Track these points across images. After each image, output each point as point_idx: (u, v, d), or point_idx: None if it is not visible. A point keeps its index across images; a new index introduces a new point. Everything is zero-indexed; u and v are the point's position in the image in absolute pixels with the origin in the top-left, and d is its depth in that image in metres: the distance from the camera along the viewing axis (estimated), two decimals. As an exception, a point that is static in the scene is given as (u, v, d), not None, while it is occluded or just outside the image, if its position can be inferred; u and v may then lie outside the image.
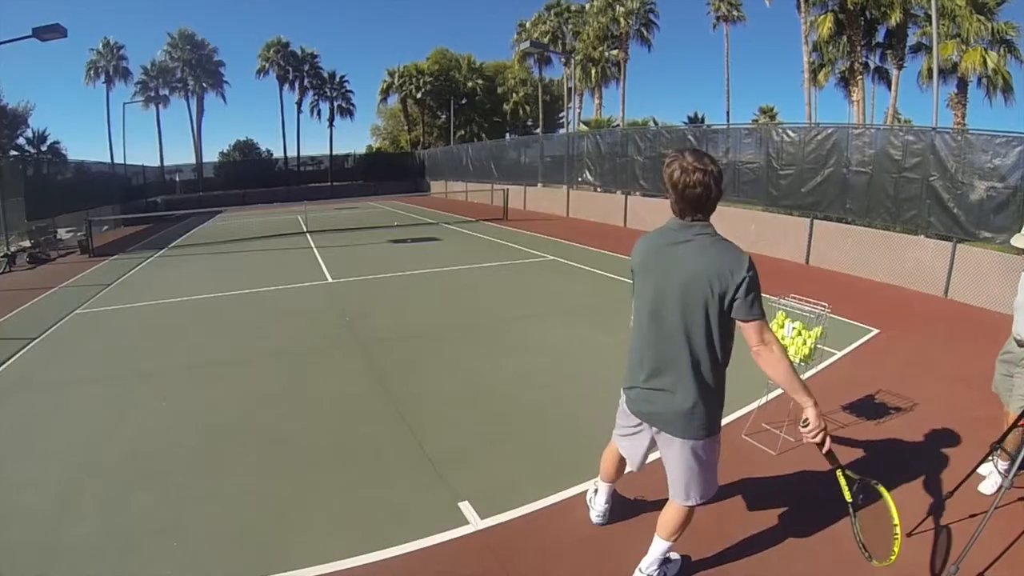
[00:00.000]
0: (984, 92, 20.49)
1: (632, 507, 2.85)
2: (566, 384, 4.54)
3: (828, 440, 1.95)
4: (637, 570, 2.30)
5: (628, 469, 2.45)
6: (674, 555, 2.42)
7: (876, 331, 5.76)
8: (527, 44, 25.93)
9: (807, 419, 1.94)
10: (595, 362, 5.03)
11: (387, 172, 32.39)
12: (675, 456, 2.10)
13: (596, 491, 2.75)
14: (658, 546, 2.26)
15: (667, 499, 2.25)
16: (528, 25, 33.83)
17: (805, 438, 1.95)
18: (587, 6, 30.60)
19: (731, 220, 11.00)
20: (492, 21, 68.13)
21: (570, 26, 32.26)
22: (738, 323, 1.93)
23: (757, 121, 37.05)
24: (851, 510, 2.10)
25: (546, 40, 30.96)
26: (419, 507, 2.94)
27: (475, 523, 2.78)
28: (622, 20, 28.83)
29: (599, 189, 16.49)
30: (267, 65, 34.18)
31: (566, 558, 2.56)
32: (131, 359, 5.53)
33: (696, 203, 1.94)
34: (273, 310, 7.22)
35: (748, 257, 1.91)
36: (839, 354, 5.07)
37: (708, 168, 1.90)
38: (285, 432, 3.84)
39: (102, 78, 32.32)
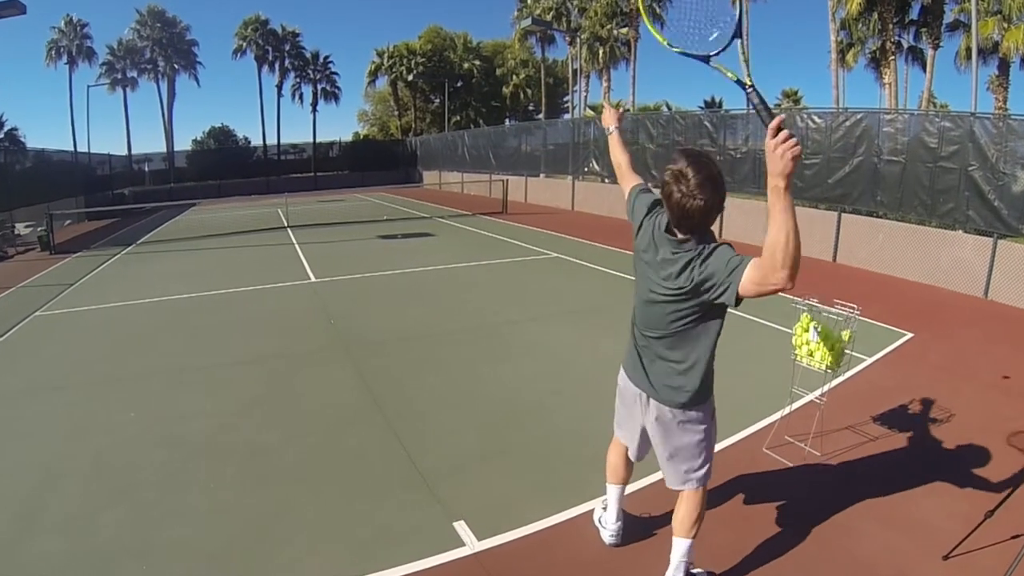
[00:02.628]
0: (1030, 71, 20.55)
1: (640, 524, 2.86)
2: (570, 393, 4.55)
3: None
4: None
5: (631, 456, 2.56)
6: (697, 570, 2.45)
7: (910, 335, 5.77)
8: (528, 21, 25.86)
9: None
10: (602, 369, 4.98)
11: (376, 161, 32.51)
12: (672, 432, 2.23)
13: (605, 508, 2.77)
14: (679, 547, 2.32)
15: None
16: (530, 1, 33.87)
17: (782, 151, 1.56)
18: (594, -20, 30.63)
19: (750, 213, 11.02)
20: (490, -4, 68.20)
21: (575, 1, 32.28)
22: (743, 296, 1.81)
23: (780, 105, 37.10)
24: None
25: (549, 17, 30.92)
26: (410, 526, 2.93)
27: (471, 544, 2.78)
28: (632, -5, 28.83)
29: (607, 180, 16.50)
30: (244, 44, 34.27)
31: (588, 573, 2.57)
32: (97, 365, 5.53)
33: (691, 227, 1.94)
34: (252, 312, 7.24)
35: (725, 247, 1.89)
36: (869, 360, 5.08)
37: (709, 198, 1.85)
38: (264, 444, 3.84)
39: (64, 59, 32.43)
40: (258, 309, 7.36)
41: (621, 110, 2.67)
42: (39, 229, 14.09)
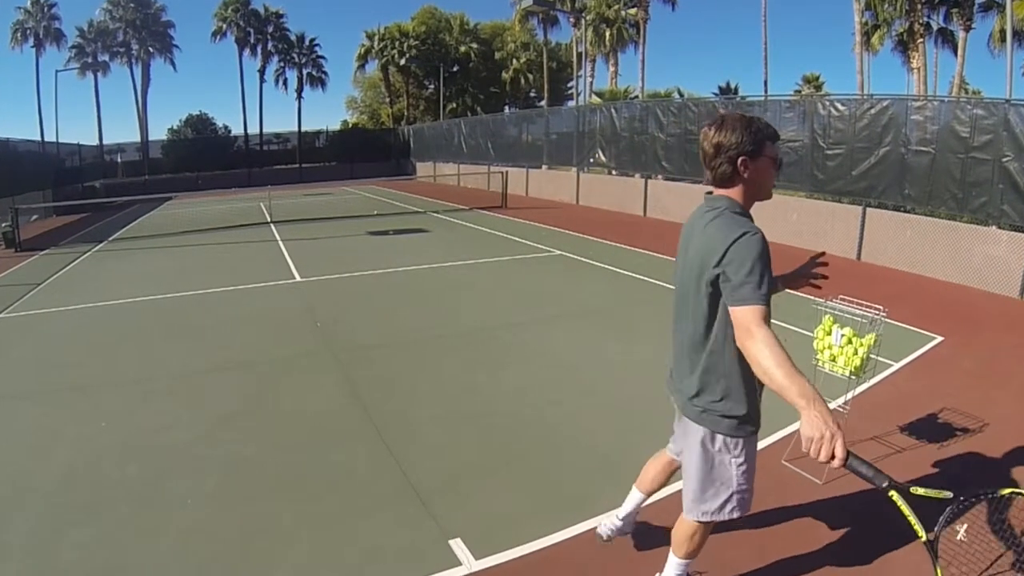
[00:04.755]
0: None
1: (640, 535, 2.88)
2: (576, 401, 4.56)
3: (840, 449, 1.51)
4: None
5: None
6: None
7: (940, 338, 5.77)
8: (529, 1, 25.92)
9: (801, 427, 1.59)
10: (609, 375, 5.05)
11: (366, 152, 32.64)
12: (688, 447, 2.19)
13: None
14: (671, 564, 2.34)
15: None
16: (531, -21, 33.95)
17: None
18: (600, -44, 30.68)
19: (768, 207, 11.01)
20: (488, -26, 68.26)
21: (581, -20, 32.36)
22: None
23: (800, 92, 37.15)
24: (929, 550, 1.70)
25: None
26: (403, 546, 2.95)
27: (468, 564, 2.78)
28: (642, -28, 28.90)
29: (614, 172, 16.53)
30: (224, 26, 34.40)
31: None
32: (64, 371, 5.53)
33: (712, 177, 2.05)
34: (232, 314, 7.28)
35: (743, 232, 1.85)
36: (896, 365, 5.08)
37: (711, 136, 1.99)
38: (245, 457, 3.85)
39: (30, 41, 32.54)
40: (239, 311, 7.40)
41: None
42: (4, 225, 14.06)
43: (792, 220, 10.42)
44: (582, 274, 8.91)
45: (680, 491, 2.31)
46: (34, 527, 3.16)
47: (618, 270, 8.94)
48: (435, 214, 16.13)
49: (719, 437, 2.08)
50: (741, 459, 2.11)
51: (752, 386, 2.04)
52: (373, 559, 2.85)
